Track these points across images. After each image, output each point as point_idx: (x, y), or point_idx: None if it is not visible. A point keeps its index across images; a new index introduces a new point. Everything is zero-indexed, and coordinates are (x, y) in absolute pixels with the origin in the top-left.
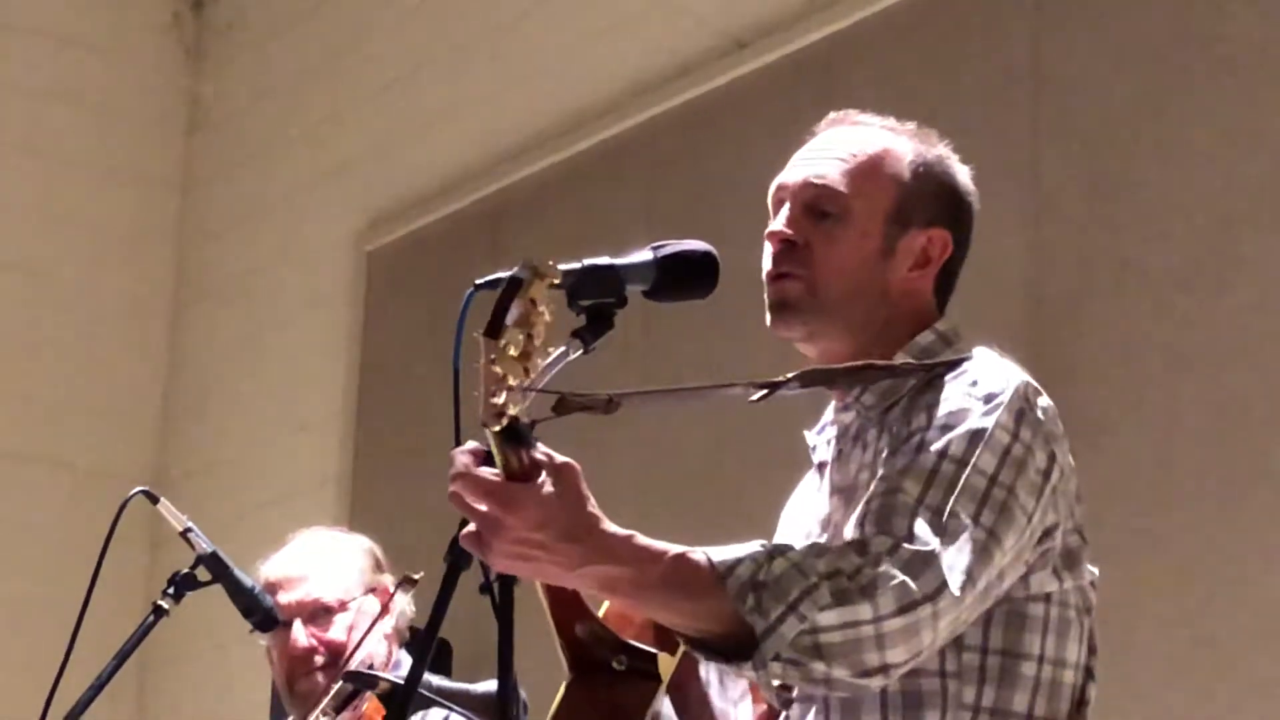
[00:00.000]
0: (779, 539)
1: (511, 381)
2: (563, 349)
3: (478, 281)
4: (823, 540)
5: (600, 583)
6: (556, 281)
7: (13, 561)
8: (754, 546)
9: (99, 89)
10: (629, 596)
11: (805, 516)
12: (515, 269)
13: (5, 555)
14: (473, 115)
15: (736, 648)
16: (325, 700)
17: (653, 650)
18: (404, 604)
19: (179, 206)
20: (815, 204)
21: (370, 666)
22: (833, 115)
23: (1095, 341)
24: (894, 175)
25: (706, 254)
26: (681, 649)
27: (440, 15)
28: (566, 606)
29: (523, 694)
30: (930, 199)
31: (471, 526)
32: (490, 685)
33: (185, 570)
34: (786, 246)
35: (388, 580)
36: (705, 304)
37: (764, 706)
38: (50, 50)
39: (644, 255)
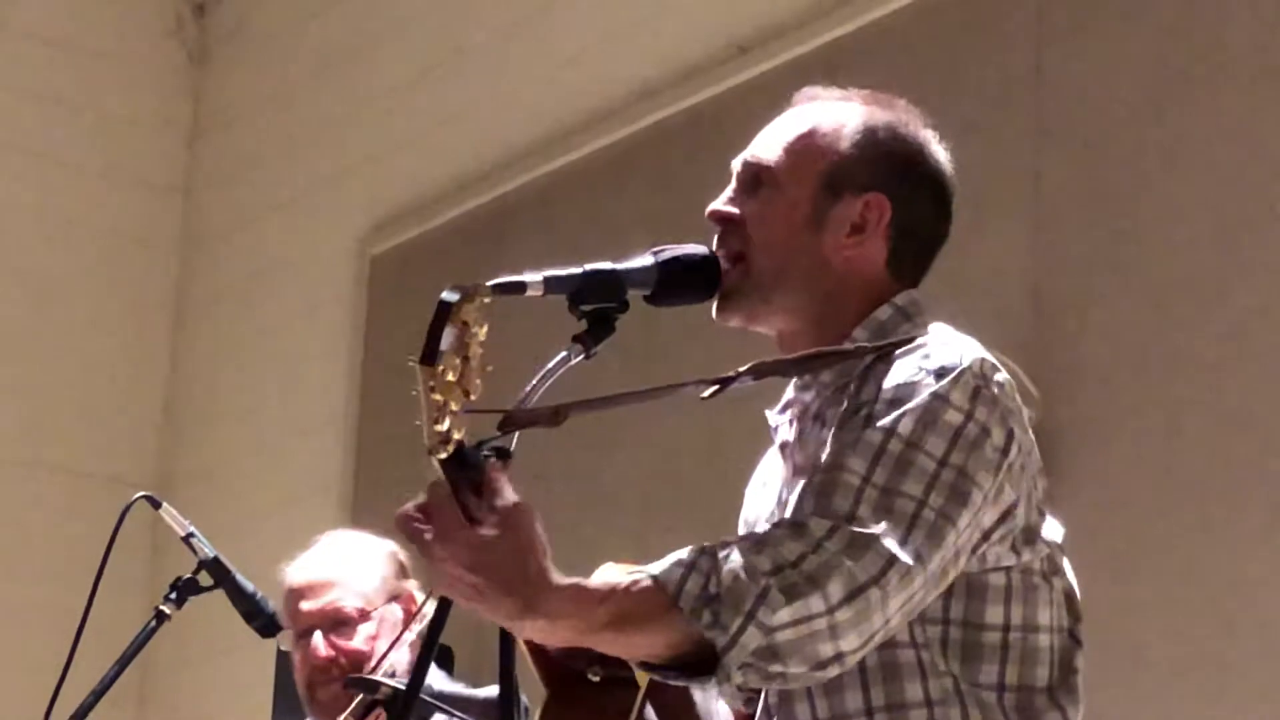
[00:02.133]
0: (743, 519)
1: (453, 406)
2: (564, 354)
3: None
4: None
5: (541, 633)
6: (487, 300)
7: (15, 566)
8: (688, 554)
9: (102, 93)
10: (574, 642)
11: (768, 498)
12: (445, 292)
13: (7, 560)
14: (476, 120)
15: (693, 664)
16: (347, 712)
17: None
18: (428, 607)
19: (182, 211)
20: (750, 180)
21: (393, 675)
22: (797, 94)
23: (1096, 347)
24: (829, 144)
25: (707, 258)
26: None
27: (443, 20)
28: None
29: (524, 699)
30: (870, 165)
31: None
32: (492, 690)
33: (187, 575)
34: (724, 223)
35: (411, 586)
36: (706, 307)
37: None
38: (53, 55)
39: (645, 259)
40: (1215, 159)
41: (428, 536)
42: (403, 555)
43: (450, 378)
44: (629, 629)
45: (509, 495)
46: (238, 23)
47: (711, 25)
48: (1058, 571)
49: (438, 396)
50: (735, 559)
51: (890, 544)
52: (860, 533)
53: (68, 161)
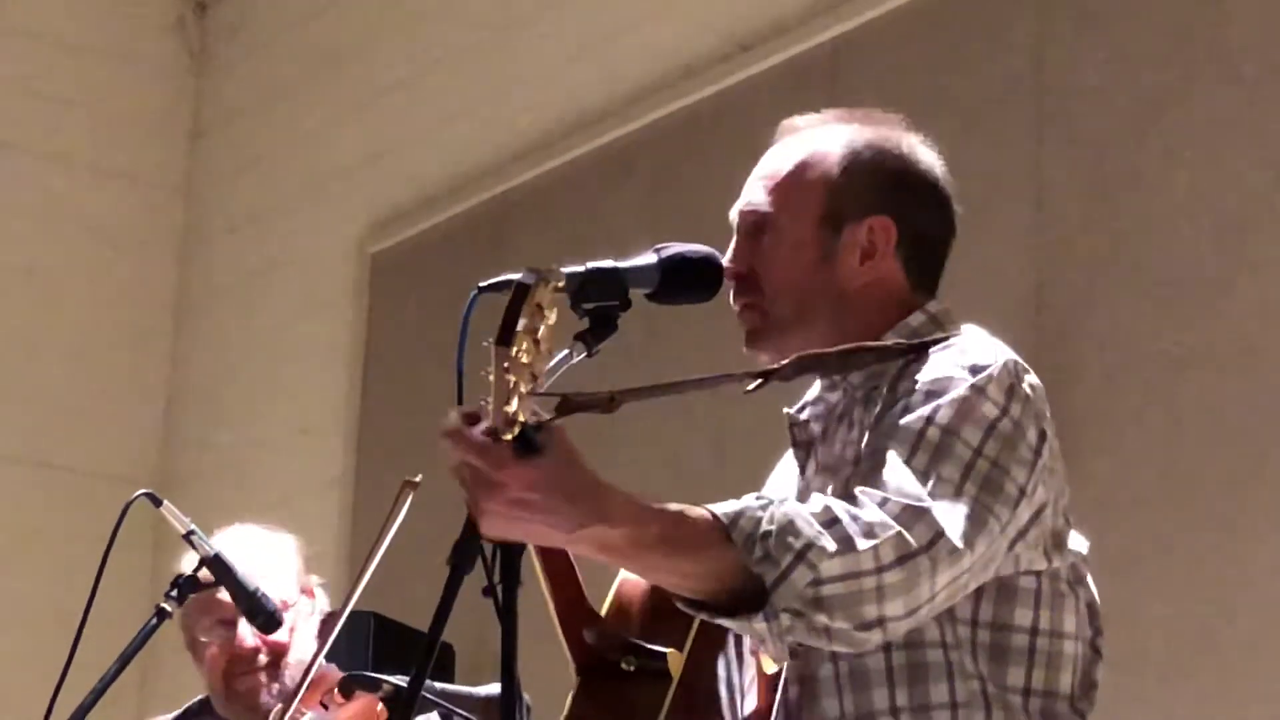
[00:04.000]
0: None
1: (522, 388)
2: (566, 352)
3: (481, 284)
4: None
5: (597, 545)
6: (561, 285)
7: (16, 564)
8: (749, 499)
9: (102, 92)
10: (627, 558)
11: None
12: (520, 275)
13: (8, 557)
14: (476, 118)
15: (740, 604)
16: (295, 701)
17: (662, 649)
18: (321, 600)
19: (183, 209)
20: (751, 229)
21: (308, 670)
22: (778, 129)
23: (1098, 345)
24: (820, 179)
25: (709, 257)
26: (689, 644)
27: (444, 18)
28: (573, 612)
29: (526, 697)
30: (863, 189)
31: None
32: (493, 688)
33: (188, 573)
34: (737, 280)
35: (314, 580)
36: (708, 306)
37: (761, 697)
38: (53, 53)
39: (647, 258)
40: (1215, 158)
41: (476, 464)
42: (304, 549)
43: (524, 360)
44: (680, 552)
45: (541, 414)
46: (238, 21)
47: (712, 23)
48: (1081, 582)
49: (510, 377)
50: (791, 507)
51: (939, 518)
52: (911, 504)
53: (68, 160)
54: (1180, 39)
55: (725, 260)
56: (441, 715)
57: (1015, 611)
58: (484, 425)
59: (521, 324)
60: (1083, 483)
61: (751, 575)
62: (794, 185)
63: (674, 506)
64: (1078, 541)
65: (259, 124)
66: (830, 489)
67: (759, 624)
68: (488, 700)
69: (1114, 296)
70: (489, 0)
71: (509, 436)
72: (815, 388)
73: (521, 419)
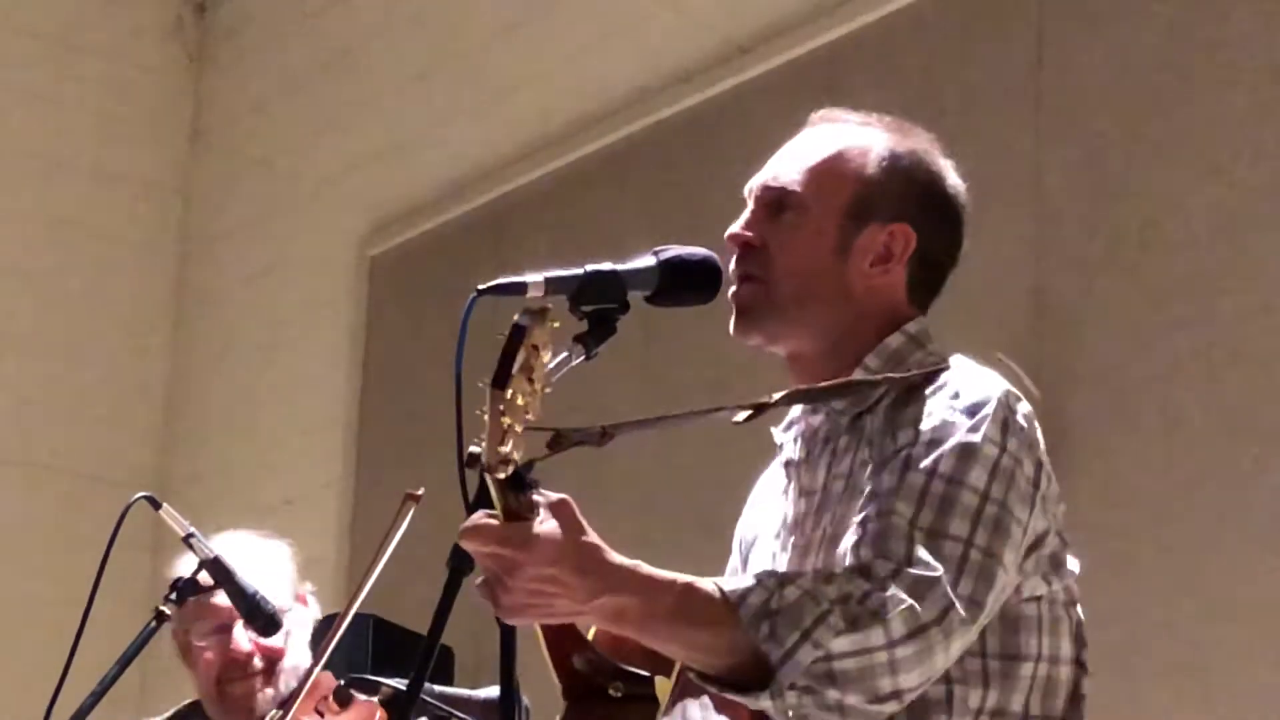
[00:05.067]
0: (739, 536)
1: (517, 428)
2: (564, 354)
3: (480, 287)
4: (790, 541)
5: (611, 615)
6: (557, 324)
7: (15, 566)
8: (756, 574)
9: (101, 94)
10: (638, 628)
11: (772, 515)
12: (517, 315)
13: (7, 560)
14: (476, 120)
15: (747, 679)
16: (293, 710)
17: (648, 675)
18: (314, 607)
19: (181, 211)
20: (772, 204)
21: (299, 677)
22: (815, 115)
23: (1097, 347)
24: (855, 171)
25: (708, 259)
26: (676, 671)
27: (443, 21)
28: (562, 637)
29: (525, 700)
30: (895, 194)
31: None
32: (492, 691)
33: (187, 575)
34: (745, 249)
35: (308, 588)
36: (707, 309)
37: None
38: (53, 55)
39: (646, 260)
40: (1216, 158)
41: (500, 552)
42: (297, 557)
43: (519, 401)
44: (690, 625)
45: (550, 495)
46: (237, 23)
47: (711, 26)
48: (1074, 603)
49: (505, 419)
50: (802, 583)
51: (949, 587)
52: (922, 575)
53: (67, 161)
54: (1179, 39)
55: (736, 228)
56: (437, 718)
57: (1020, 639)
58: (480, 457)
59: (517, 365)
60: (1081, 483)
61: (759, 652)
62: (828, 171)
63: (684, 579)
64: (1071, 562)
65: (258, 125)
66: (814, 517)
67: (764, 702)
68: (487, 703)
69: (1114, 296)
70: (488, 2)
71: (502, 475)
72: (797, 409)
73: (515, 459)
